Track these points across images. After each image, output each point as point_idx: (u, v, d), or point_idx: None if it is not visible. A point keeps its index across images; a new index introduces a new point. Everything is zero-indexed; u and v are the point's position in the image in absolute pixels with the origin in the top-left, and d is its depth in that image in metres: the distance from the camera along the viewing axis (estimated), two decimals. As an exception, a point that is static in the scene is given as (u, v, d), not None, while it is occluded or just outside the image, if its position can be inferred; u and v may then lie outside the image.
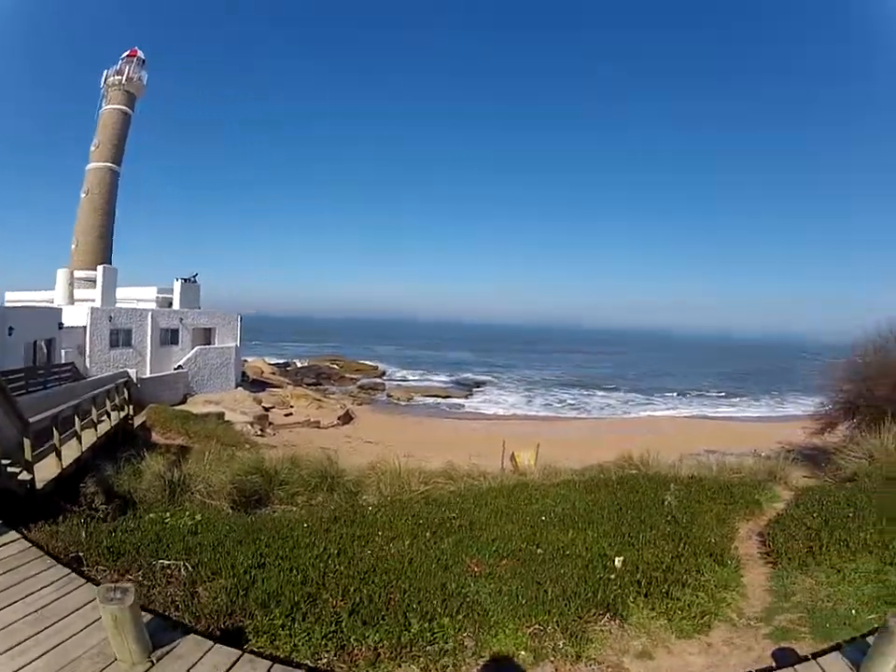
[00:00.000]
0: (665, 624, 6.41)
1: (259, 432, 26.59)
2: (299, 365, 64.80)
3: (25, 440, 8.78)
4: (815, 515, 9.40)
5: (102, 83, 41.54)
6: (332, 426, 32.50)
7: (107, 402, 16.41)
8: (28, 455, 8.83)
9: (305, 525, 8.33)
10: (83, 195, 39.99)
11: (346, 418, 34.88)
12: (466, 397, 54.25)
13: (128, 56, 42.08)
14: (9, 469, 8.53)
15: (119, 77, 40.82)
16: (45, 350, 24.95)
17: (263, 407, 32.42)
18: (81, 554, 6.79)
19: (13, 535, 6.13)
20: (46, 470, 9.78)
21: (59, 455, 10.38)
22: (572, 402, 55.13)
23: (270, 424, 29.09)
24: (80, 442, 12.23)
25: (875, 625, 5.78)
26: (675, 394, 62.58)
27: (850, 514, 9.19)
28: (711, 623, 6.55)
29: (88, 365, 27.89)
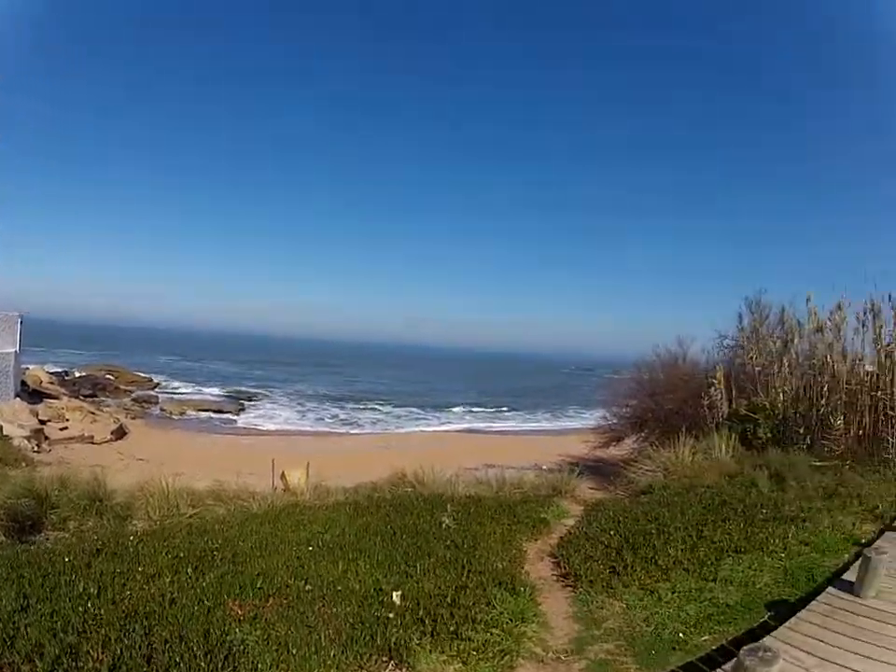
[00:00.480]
0: (461, 669, 5.93)
1: (36, 448, 26.61)
2: (77, 375, 61.51)
3: None
4: (612, 532, 9.12)
5: None
6: (105, 441, 32.41)
7: None
8: None
9: (66, 560, 7.89)
10: None
11: (120, 433, 34.68)
12: (239, 411, 54.59)
13: None
14: None
15: None
16: None
17: (40, 420, 31.86)
18: None
19: None
20: None
21: None
22: (345, 417, 55.77)
23: (46, 438, 29.07)
24: None
25: (713, 647, 5.81)
26: (450, 408, 65.27)
27: (654, 530, 8.93)
28: (514, 662, 6.10)
29: None
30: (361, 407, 62.66)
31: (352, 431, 49.09)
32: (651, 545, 8.42)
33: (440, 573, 7.75)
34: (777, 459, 13.22)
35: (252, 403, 60.15)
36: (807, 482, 11.72)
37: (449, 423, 56.50)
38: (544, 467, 24.08)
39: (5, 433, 26.57)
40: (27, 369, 45.54)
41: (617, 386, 26.47)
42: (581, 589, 7.76)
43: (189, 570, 7.78)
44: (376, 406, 64.13)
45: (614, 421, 24.56)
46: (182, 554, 8.34)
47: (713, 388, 18.02)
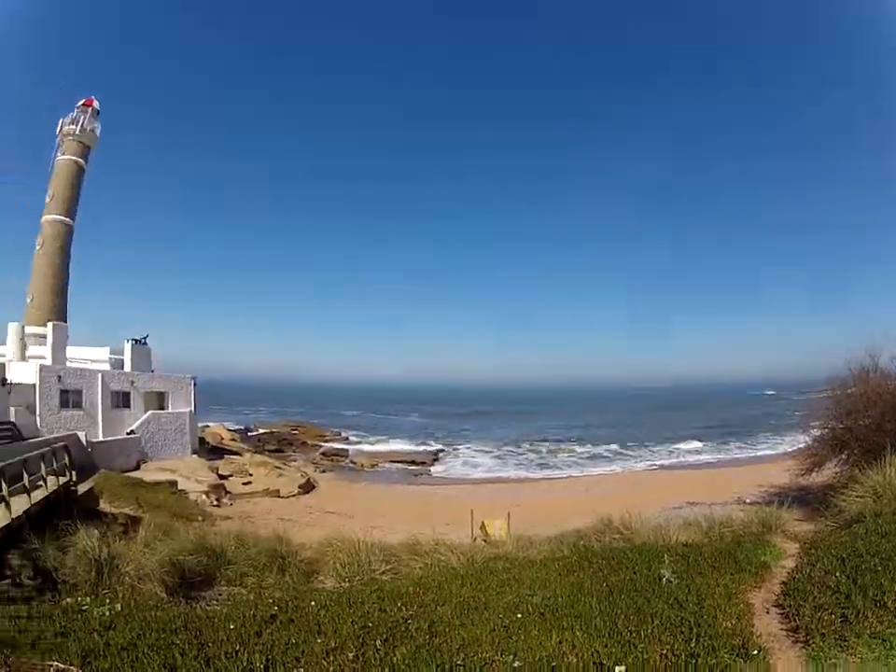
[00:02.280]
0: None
1: (215, 502, 27.09)
2: (261, 431, 65.15)
3: None
4: (837, 573, 8.37)
5: (57, 131, 42.75)
6: (293, 495, 32.72)
7: (42, 467, 16.04)
8: None
9: (232, 627, 7.42)
10: (38, 248, 40.82)
11: (307, 487, 35.13)
12: (431, 462, 55.12)
13: (83, 105, 43.45)
14: None
15: (74, 127, 42.05)
16: None
17: (220, 475, 32.84)
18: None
19: None
20: None
21: None
22: (540, 462, 56.19)
23: (227, 493, 29.59)
24: (9, 510, 12.00)
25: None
26: (643, 446, 64.06)
27: (878, 566, 8.18)
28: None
29: (39, 425, 28.42)
30: (556, 449, 62.74)
31: (549, 475, 48.54)
32: (878, 584, 7.43)
33: (665, 639, 6.78)
34: None
35: (445, 453, 60.86)
36: None
37: (643, 460, 56.09)
38: (747, 500, 24.71)
39: (180, 488, 27.09)
40: (206, 427, 48.69)
41: (811, 408, 26.25)
42: (814, 644, 6.58)
43: (378, 643, 6.91)
44: (572, 447, 64.07)
45: (812, 445, 23.80)
46: (371, 623, 7.58)
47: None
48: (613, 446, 63.34)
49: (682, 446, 62.93)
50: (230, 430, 56.33)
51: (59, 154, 41.84)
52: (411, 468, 51.33)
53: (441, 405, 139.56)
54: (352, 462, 52.23)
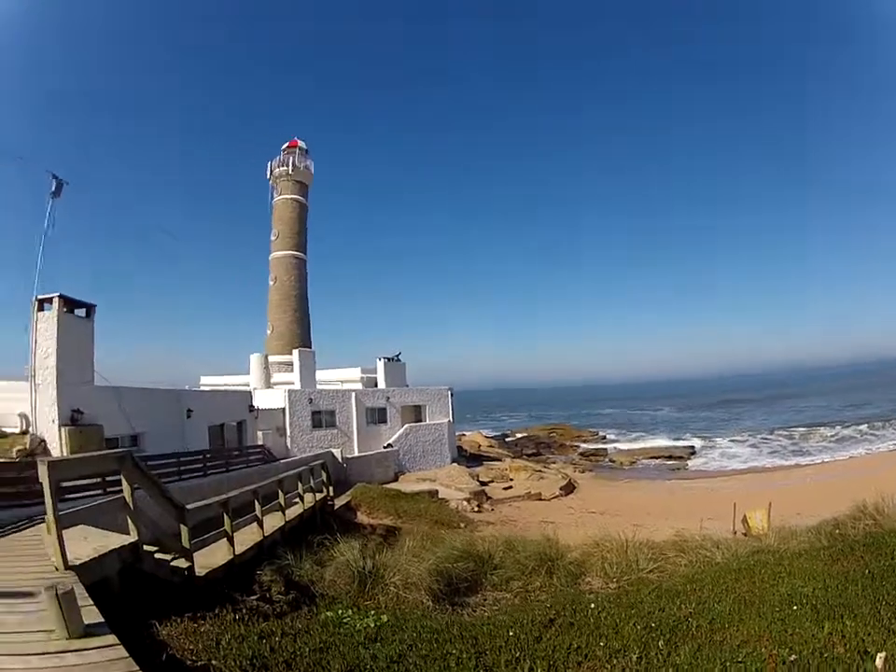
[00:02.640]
0: None
1: (476, 508, 26.18)
2: (518, 436, 66.48)
3: (182, 526, 8.90)
4: None
5: (268, 175, 46.29)
6: (554, 497, 31.48)
7: (299, 485, 16.48)
8: (185, 543, 8.87)
9: (511, 633, 7.00)
10: (271, 283, 44.30)
11: (569, 488, 33.92)
12: (688, 456, 53.93)
13: (288, 147, 46.23)
14: (158, 556, 8.50)
15: (285, 168, 44.87)
16: (236, 432, 26.45)
17: (480, 482, 32.35)
18: (214, 663, 5.66)
19: (108, 639, 4.62)
20: (213, 557, 9.81)
21: (231, 541, 10.30)
22: (794, 448, 53.95)
23: (488, 499, 28.62)
24: (262, 527, 12.17)
25: None
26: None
27: None
28: None
29: (289, 445, 29.88)
30: (807, 434, 59.78)
31: (801, 462, 45.97)
32: None
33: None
34: None
35: (702, 445, 59.21)
36: None
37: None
38: None
39: (441, 496, 26.49)
40: (462, 435, 50.12)
41: None
42: None
43: (661, 643, 6.50)
44: (822, 431, 60.66)
45: None
46: (653, 624, 7.14)
47: None
48: (863, 427, 59.83)
49: None
50: (487, 437, 57.84)
51: (275, 195, 44.88)
52: (668, 463, 50.35)
53: (692, 397, 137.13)
54: (610, 461, 51.59)
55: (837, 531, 12.12)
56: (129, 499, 7.80)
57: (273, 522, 13.10)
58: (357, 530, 17.41)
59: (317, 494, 17.89)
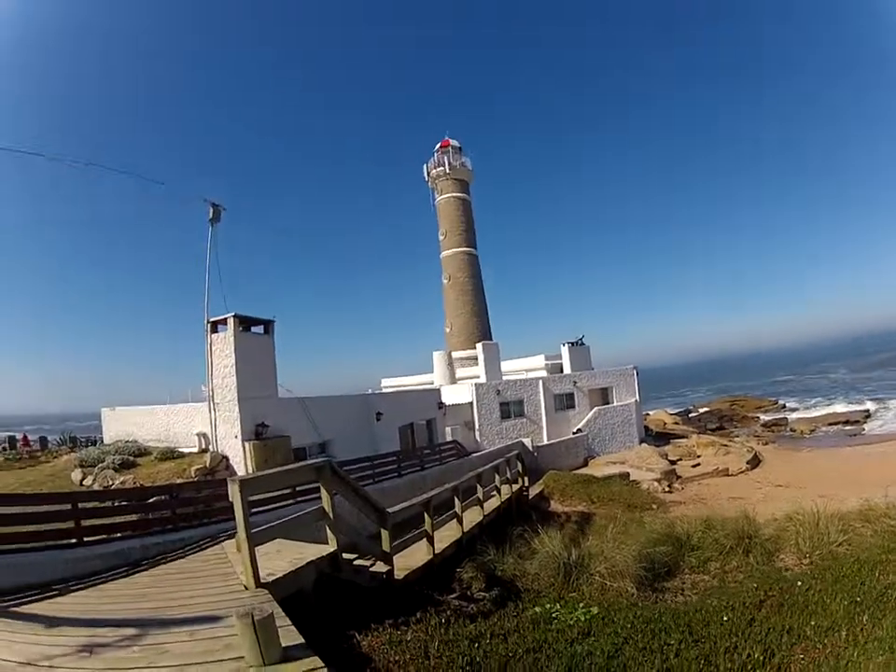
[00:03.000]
0: None
1: (667, 488, 26.10)
2: (701, 411, 65.33)
3: (383, 530, 8.97)
4: None
5: (425, 176, 47.73)
6: (741, 471, 30.82)
7: (496, 477, 16.72)
8: (386, 546, 8.93)
9: (725, 619, 7.09)
10: (445, 282, 45.67)
11: (754, 462, 32.91)
12: (864, 419, 51.48)
13: (441, 147, 47.32)
14: (357, 563, 8.67)
15: (442, 168, 46.10)
16: (426, 431, 27.30)
17: (669, 460, 31.84)
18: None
19: (309, 662, 4.26)
20: (413, 558, 9.88)
21: (430, 541, 10.41)
22: None
23: (678, 478, 28.35)
24: (461, 524, 12.32)
25: None
26: None
27: None
28: None
29: (478, 438, 30.80)
30: None
31: None
32: None
33: None
34: None
35: (876, 408, 56.39)
36: None
37: None
38: None
39: (632, 479, 26.39)
40: (647, 414, 49.16)
41: None
42: None
43: (866, 618, 6.52)
44: None
45: None
46: (858, 598, 7.12)
47: None
48: None
49: None
50: (671, 414, 57.47)
51: (437, 196, 46.25)
52: (846, 428, 48.11)
53: (866, 356, 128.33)
54: (791, 430, 49.95)
55: None
56: (328, 508, 7.84)
57: (471, 517, 13.34)
58: (552, 519, 17.87)
59: (513, 485, 18.24)
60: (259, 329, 18.81)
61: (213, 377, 17.66)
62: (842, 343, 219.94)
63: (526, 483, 20.14)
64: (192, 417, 18.76)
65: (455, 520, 12.20)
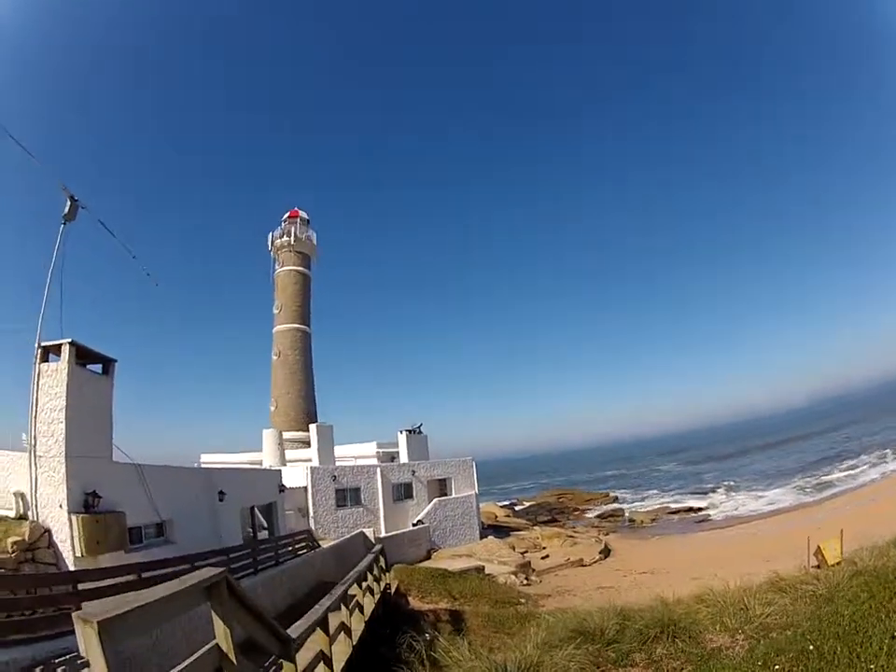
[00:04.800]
0: None
1: (525, 581, 24.69)
2: (527, 504, 65.54)
3: (286, 664, 6.48)
4: None
5: (269, 246, 45.43)
6: (595, 561, 30.41)
7: (369, 576, 14.05)
8: None
9: None
10: (274, 357, 42.92)
11: (606, 551, 32.89)
12: (707, 506, 53.82)
13: (289, 217, 45.70)
14: None
15: (287, 239, 44.22)
16: (268, 515, 23.82)
17: (519, 553, 30.72)
18: None
19: None
20: None
21: (328, 664, 8.01)
22: (816, 484, 54.30)
23: (532, 570, 27.12)
24: (350, 636, 9.94)
25: None
26: None
27: None
28: None
29: (313, 527, 27.59)
30: (823, 470, 60.10)
31: (826, 495, 46.35)
32: None
33: None
34: None
35: (720, 495, 59.54)
36: None
37: None
38: None
39: (487, 572, 24.75)
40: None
41: None
42: None
43: None
44: (836, 464, 61.87)
45: None
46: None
47: None
48: (882, 452, 60.72)
49: None
50: (501, 507, 56.64)
51: (277, 267, 44.05)
52: (691, 515, 49.88)
53: (691, 451, 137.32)
54: (630, 520, 50.59)
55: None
56: (228, 648, 4.61)
57: (356, 625, 10.81)
58: (421, 619, 15.89)
59: (380, 583, 15.91)
60: (98, 367, 14.55)
61: (37, 421, 13.15)
62: (666, 439, 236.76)
63: (389, 580, 18.24)
64: (9, 469, 13.70)
65: (343, 632, 9.60)
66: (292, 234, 43.64)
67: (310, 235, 45.07)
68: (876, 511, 27.90)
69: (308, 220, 45.67)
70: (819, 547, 15.76)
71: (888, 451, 59.77)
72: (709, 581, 13.25)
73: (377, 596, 14.52)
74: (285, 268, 43.37)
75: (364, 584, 13.40)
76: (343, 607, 9.73)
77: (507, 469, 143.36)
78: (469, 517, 33.84)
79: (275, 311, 42.69)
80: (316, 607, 8.09)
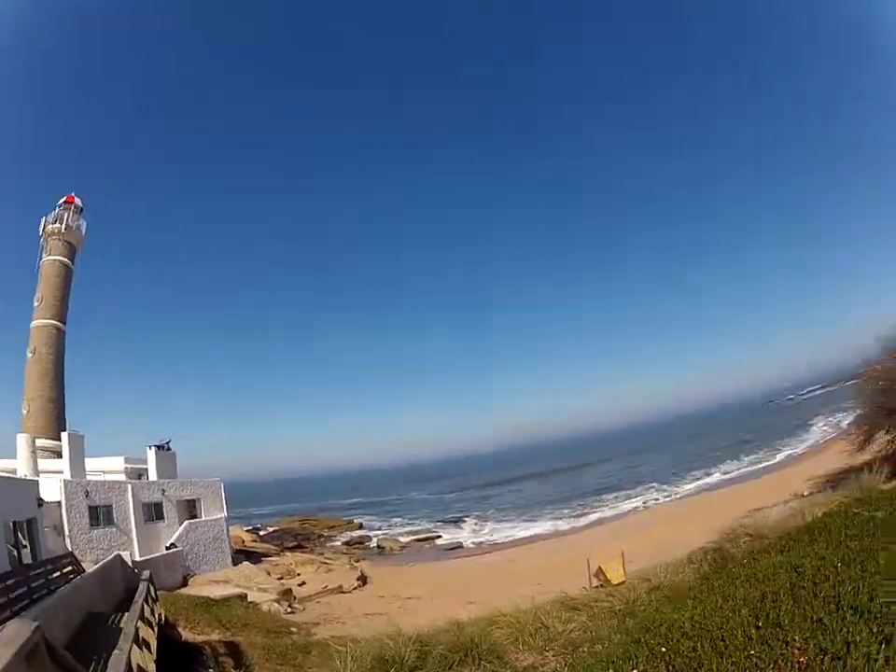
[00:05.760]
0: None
1: (289, 609, 24.37)
2: (270, 530, 63.49)
3: None
4: None
5: (40, 231, 41.06)
6: (355, 588, 30.64)
7: (145, 608, 12.37)
8: None
9: None
10: (30, 355, 38.60)
11: (363, 578, 33.19)
12: (459, 535, 54.87)
13: (65, 202, 41.83)
14: None
15: (59, 226, 40.26)
16: (23, 533, 19.60)
17: (279, 581, 30.28)
18: None
19: None
20: None
21: None
22: (568, 511, 56.78)
23: (294, 598, 26.91)
24: None
25: None
26: (676, 474, 66.59)
27: None
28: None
29: (69, 547, 24.62)
30: (583, 503, 61.46)
31: (577, 526, 48.99)
32: None
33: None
34: None
35: (467, 524, 60.66)
36: None
37: (672, 490, 57.71)
38: (805, 493, 27.58)
39: (250, 600, 24.00)
40: None
41: (863, 386, 27.74)
42: None
43: None
44: (596, 494, 65.20)
45: (861, 421, 27.57)
46: None
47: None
48: (639, 486, 64.01)
49: (712, 469, 64.27)
50: (248, 532, 54.56)
51: (44, 255, 39.74)
52: (440, 543, 51.08)
53: (446, 480, 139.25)
54: (379, 547, 50.70)
55: (708, 557, 13.32)
56: None
57: (150, 665, 9.27)
58: (198, 652, 15.05)
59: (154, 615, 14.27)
60: None
61: None
62: (419, 468, 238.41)
63: (163, 613, 16.30)
64: None
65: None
66: (65, 220, 39.63)
67: (80, 225, 41.27)
68: (642, 538, 30.07)
69: (81, 209, 41.71)
70: (599, 568, 16.78)
71: (654, 484, 63.31)
72: (487, 604, 13.85)
73: (156, 629, 13.12)
74: (51, 257, 39.21)
75: (145, 617, 11.94)
76: (135, 646, 8.34)
77: (246, 493, 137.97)
78: (221, 541, 32.75)
79: (35, 303, 38.31)
80: (117, 652, 7.02)
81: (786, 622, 6.61)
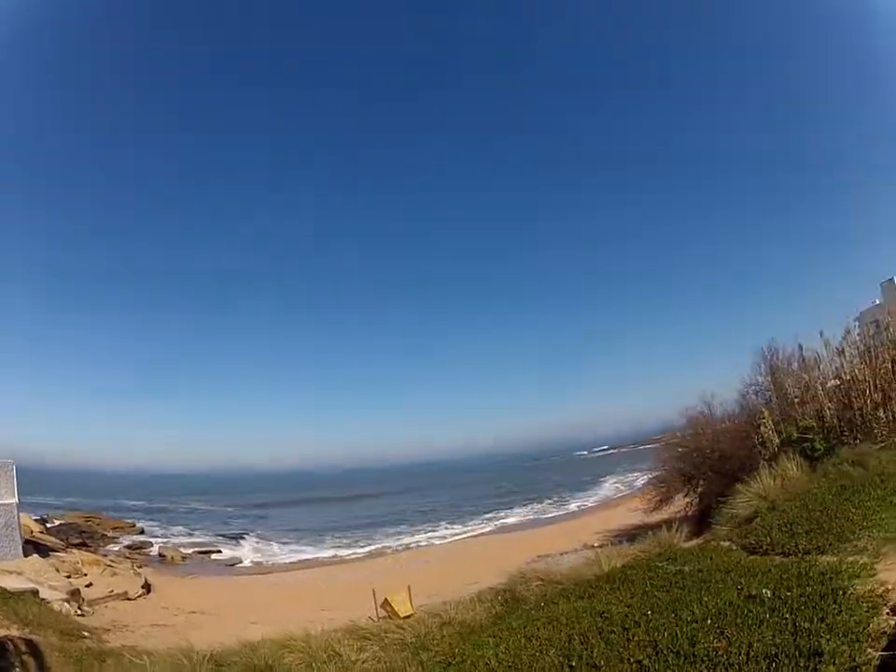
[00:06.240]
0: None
1: (79, 611, 23.80)
2: (57, 523, 58.45)
3: None
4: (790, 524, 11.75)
5: None
6: (140, 596, 29.80)
7: None
8: None
9: None
10: None
11: (148, 586, 32.29)
12: (239, 551, 54.42)
13: None
14: None
15: None
16: None
17: (67, 579, 28.94)
18: None
19: None
20: None
21: None
22: (349, 539, 57.38)
23: (83, 599, 25.93)
24: None
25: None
26: (460, 516, 68.38)
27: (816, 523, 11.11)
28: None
29: None
30: (365, 532, 62.46)
31: (360, 552, 50.28)
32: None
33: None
34: (848, 454, 16.03)
35: (247, 541, 60.34)
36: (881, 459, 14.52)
37: (471, 529, 59.33)
38: (595, 544, 27.30)
39: (42, 597, 23.09)
40: None
41: (663, 449, 30.20)
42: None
43: None
44: (382, 527, 65.62)
45: (659, 482, 28.44)
46: None
47: (762, 426, 20.56)
48: (426, 524, 64.95)
49: (499, 513, 67.09)
50: (36, 522, 49.32)
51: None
52: (221, 558, 50.52)
53: (220, 494, 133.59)
54: (161, 555, 49.00)
55: (507, 596, 13.48)
56: None
57: None
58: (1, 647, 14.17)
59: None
60: None
61: None
62: (206, 478, 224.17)
63: None
64: None
65: None
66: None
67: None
68: (426, 574, 30.75)
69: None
70: (386, 599, 16.50)
71: (443, 522, 64.45)
72: (273, 624, 13.93)
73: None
74: None
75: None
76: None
77: (36, 480, 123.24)
78: (11, 529, 30.75)
79: None
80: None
81: (602, 663, 6.69)
